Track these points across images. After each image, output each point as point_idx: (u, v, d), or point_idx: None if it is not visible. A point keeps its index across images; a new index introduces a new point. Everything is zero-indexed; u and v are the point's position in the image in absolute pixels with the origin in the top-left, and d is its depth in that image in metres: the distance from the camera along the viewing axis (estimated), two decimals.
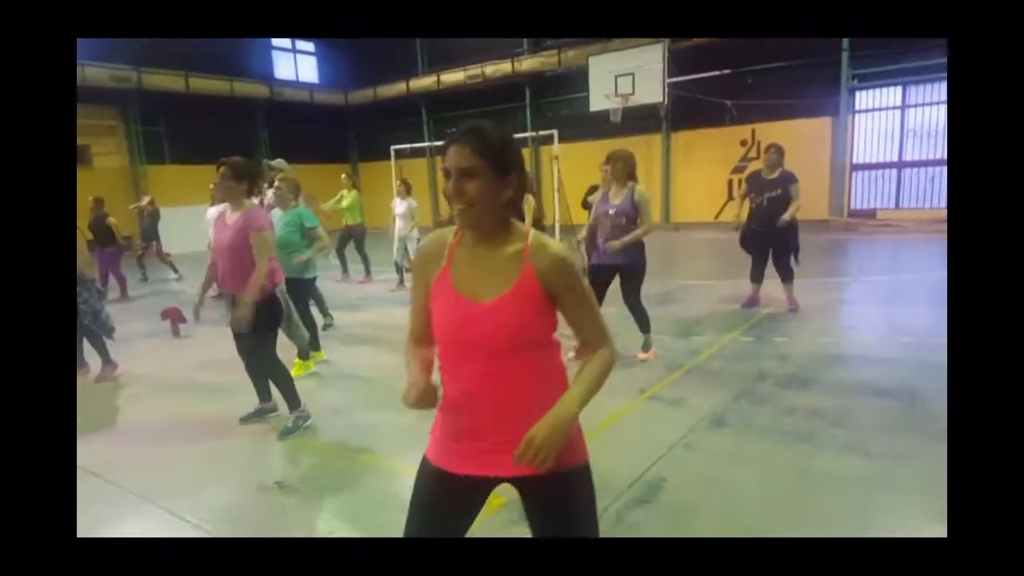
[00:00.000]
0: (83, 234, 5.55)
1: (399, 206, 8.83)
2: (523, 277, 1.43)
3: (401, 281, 9.15)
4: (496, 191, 1.42)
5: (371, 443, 3.80)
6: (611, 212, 4.94)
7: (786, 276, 6.57)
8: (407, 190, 8.91)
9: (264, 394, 4.20)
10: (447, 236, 1.53)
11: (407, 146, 13.44)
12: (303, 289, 5.21)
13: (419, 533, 1.55)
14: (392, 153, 13.24)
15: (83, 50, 15.16)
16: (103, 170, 16.36)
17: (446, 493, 1.54)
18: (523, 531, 1.58)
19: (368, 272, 9.92)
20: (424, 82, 19.63)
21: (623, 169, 4.94)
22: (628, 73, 14.20)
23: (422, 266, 1.56)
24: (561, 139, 12.20)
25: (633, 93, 14.27)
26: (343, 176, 9.88)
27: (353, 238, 9.74)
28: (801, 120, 14.32)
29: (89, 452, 3.70)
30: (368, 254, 9.91)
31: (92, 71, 15.09)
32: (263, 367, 4.01)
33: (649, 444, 3.52)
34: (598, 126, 15.55)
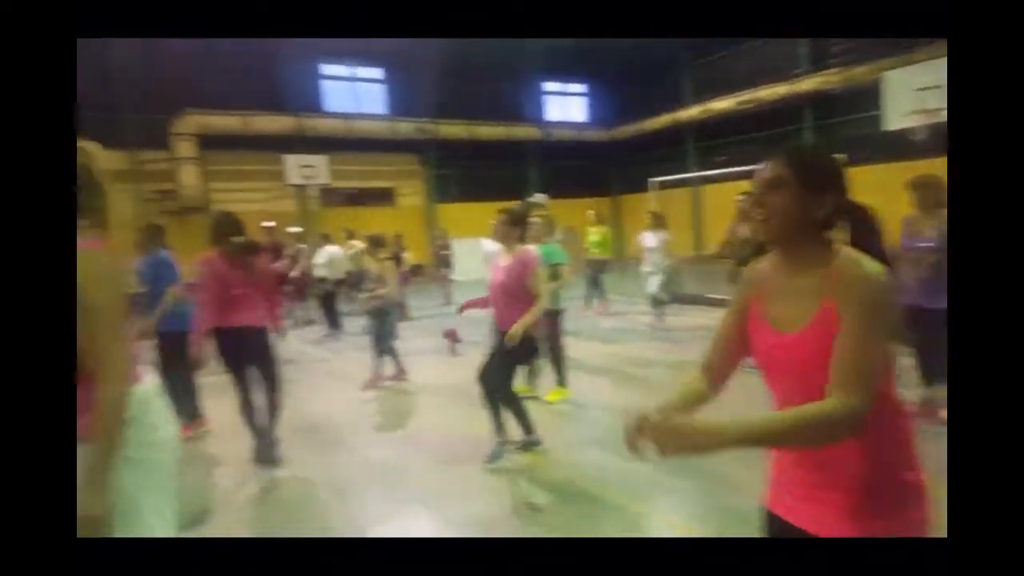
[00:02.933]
0: (392, 268, 6.52)
1: (650, 239, 8.52)
2: (824, 308, 1.25)
3: (661, 315, 8.77)
4: (800, 207, 1.29)
5: (605, 484, 3.79)
6: (924, 247, 4.11)
7: None
8: (658, 223, 8.63)
9: (499, 430, 4.22)
10: (766, 261, 1.46)
11: (668, 178, 13.26)
12: (551, 321, 5.41)
13: None
14: (651, 184, 13.15)
15: (393, 105, 18.65)
16: (405, 208, 19.54)
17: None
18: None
19: (604, 301, 10.17)
20: (690, 112, 19.34)
21: (931, 196, 4.14)
22: (934, 87, 12.23)
23: (740, 291, 1.50)
24: (849, 162, 10.93)
25: (942, 108, 12.23)
26: (589, 212, 10.26)
27: (595, 271, 9.97)
28: None
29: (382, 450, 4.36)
30: (605, 287, 10.17)
31: (401, 125, 18.00)
32: (503, 395, 4.15)
33: None
34: (889, 147, 13.62)
